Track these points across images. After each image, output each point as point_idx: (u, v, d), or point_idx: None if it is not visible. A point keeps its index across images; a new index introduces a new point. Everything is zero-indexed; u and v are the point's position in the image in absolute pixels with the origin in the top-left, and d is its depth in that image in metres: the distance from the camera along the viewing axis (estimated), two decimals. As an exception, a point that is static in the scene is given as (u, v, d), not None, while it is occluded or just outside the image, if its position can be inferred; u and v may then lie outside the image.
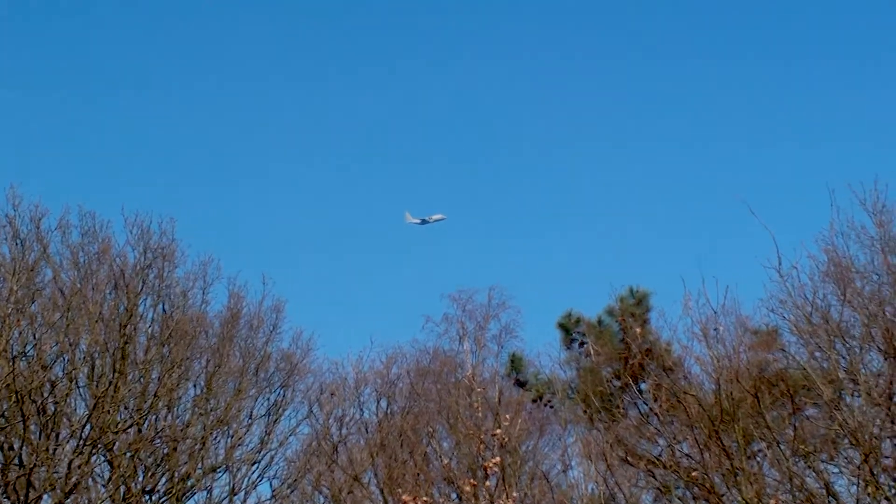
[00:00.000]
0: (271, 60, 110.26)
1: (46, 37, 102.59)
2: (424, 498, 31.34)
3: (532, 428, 42.75)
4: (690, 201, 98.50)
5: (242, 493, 41.36)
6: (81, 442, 36.27)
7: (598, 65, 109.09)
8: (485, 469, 29.82)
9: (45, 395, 36.19)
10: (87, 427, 36.45)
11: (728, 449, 27.04)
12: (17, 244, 38.06)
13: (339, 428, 44.80)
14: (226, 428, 40.75)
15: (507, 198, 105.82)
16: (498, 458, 29.77)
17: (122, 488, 37.35)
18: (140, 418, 37.98)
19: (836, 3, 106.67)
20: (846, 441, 27.72)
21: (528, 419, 41.68)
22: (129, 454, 37.63)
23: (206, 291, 41.60)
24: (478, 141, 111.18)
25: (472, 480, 30.62)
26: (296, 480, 42.46)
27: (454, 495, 34.97)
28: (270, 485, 42.35)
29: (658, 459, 29.23)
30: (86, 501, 37.38)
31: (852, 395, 28.22)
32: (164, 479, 38.67)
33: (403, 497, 31.03)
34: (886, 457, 27.38)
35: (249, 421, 41.91)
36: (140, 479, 38.18)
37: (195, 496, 40.20)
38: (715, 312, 28.08)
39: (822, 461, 28.56)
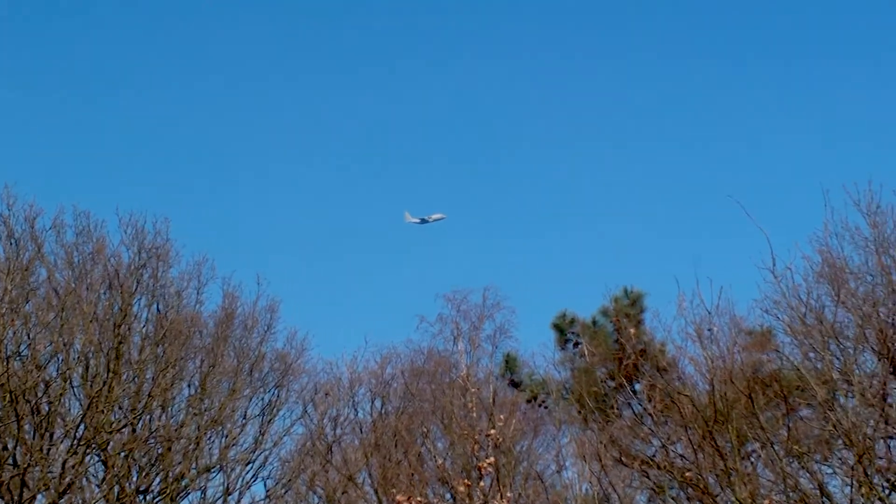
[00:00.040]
0: (271, 60, 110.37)
1: (42, 37, 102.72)
2: (419, 498, 31.36)
3: (526, 428, 42.75)
4: (685, 202, 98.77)
5: (237, 493, 41.37)
6: (76, 442, 36.26)
7: (597, 65, 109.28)
8: (479, 469, 29.85)
9: (40, 394, 36.18)
10: (82, 427, 36.43)
11: (722, 449, 27.07)
12: (11, 244, 38.03)
13: (334, 428, 44.82)
14: (220, 428, 40.74)
15: (503, 198, 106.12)
16: (492, 459, 29.81)
17: (117, 488, 37.33)
18: (134, 418, 37.96)
19: (832, 5, 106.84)
20: (840, 442, 27.75)
21: (522, 419, 41.68)
22: (123, 454, 37.62)
23: (201, 291, 41.65)
24: (476, 141, 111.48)
25: (466, 481, 30.66)
26: (290, 480, 42.47)
27: (448, 496, 34.97)
28: (265, 485, 42.40)
29: (652, 460, 29.25)
30: (80, 501, 37.38)
31: (846, 395, 28.26)
32: (158, 479, 38.65)
33: (398, 497, 31.06)
34: (880, 457, 27.41)
35: (244, 421, 41.91)
36: (134, 479, 38.16)
37: (189, 496, 40.23)
38: (709, 313, 28.10)
39: (816, 462, 28.61)
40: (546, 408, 46.63)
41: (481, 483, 29.96)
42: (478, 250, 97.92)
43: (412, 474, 36.39)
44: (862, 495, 26.51)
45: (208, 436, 40.28)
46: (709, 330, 28.20)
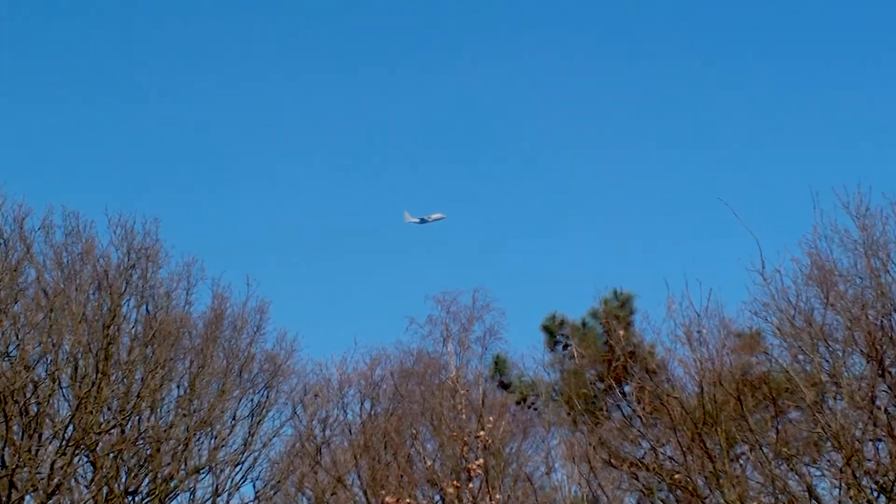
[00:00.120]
0: (271, 60, 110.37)
1: (32, 36, 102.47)
2: (408, 500, 31.36)
3: (516, 430, 42.79)
4: (675, 204, 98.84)
5: (226, 494, 41.31)
6: (64, 443, 36.19)
7: (598, 65, 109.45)
8: (468, 471, 29.84)
9: (28, 395, 36.11)
10: (70, 428, 36.36)
11: (711, 451, 27.08)
12: (0, 244, 37.96)
13: (323, 429, 44.78)
14: (209, 429, 40.67)
15: (501, 198, 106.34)
16: (481, 460, 29.80)
17: (105, 489, 37.27)
18: (123, 419, 37.89)
19: (823, 8, 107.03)
20: (829, 444, 27.79)
21: (511, 421, 41.74)
22: (112, 455, 37.55)
23: (190, 292, 41.60)
24: (476, 141, 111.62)
25: (455, 482, 30.65)
26: (279, 482, 42.42)
27: (437, 497, 34.98)
28: (254, 486, 42.34)
29: (641, 462, 29.26)
30: (68, 502, 37.31)
31: (835, 398, 28.28)
32: (147, 481, 38.59)
33: (387, 499, 31.05)
34: (869, 460, 27.43)
35: (233, 422, 41.85)
36: (123, 480, 38.09)
37: (178, 497, 40.17)
38: (698, 315, 28.12)
39: (805, 464, 28.64)
40: (535, 410, 46.68)
41: (470, 485, 29.95)
42: (473, 251, 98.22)
43: (401, 476, 36.38)
44: (850, 497, 26.54)
45: (197, 437, 40.22)
46: (698, 332, 28.22)
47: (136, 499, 38.44)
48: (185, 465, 39.54)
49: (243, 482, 41.97)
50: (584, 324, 49.93)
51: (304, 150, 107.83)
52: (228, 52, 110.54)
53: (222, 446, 41.10)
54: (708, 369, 27.69)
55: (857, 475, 26.57)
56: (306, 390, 45.01)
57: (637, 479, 30.16)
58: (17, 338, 36.45)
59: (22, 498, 35.36)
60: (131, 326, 39.40)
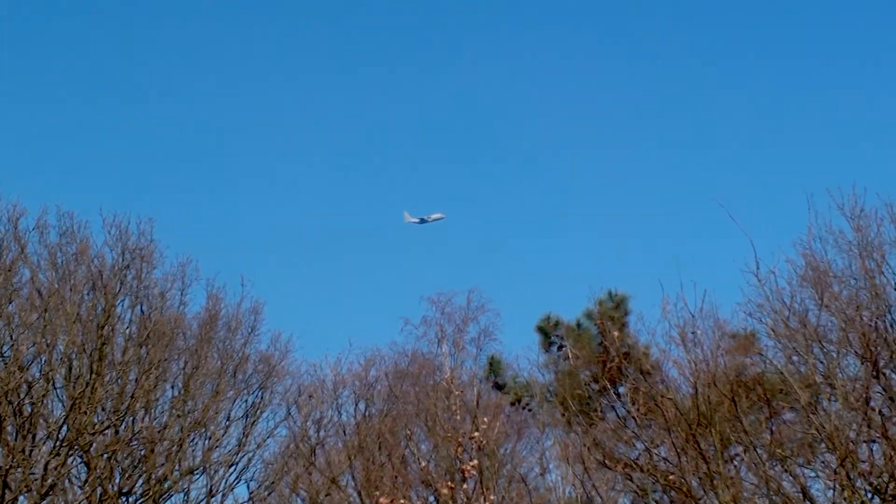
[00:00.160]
0: (271, 60, 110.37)
1: (26, 36, 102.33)
2: (402, 500, 31.34)
3: (510, 431, 42.79)
4: (669, 205, 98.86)
5: (220, 495, 41.24)
6: (58, 443, 36.15)
7: (598, 65, 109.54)
8: (462, 472, 29.79)
9: (22, 395, 36.07)
10: (64, 428, 36.32)
11: (705, 452, 27.09)
12: (-7, 244, 37.95)
13: (317, 430, 44.75)
14: (203, 430, 40.62)
15: (495, 200, 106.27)
16: (476, 461, 29.76)
17: (99, 490, 37.21)
18: (117, 420, 37.85)
19: (819, 9, 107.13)
20: (823, 445, 27.80)
21: (506, 422, 41.71)
22: (106, 456, 37.50)
23: (185, 293, 41.52)
24: (475, 141, 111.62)
25: (449, 483, 30.61)
26: (273, 483, 42.36)
27: (432, 498, 34.97)
28: (248, 487, 42.29)
29: (635, 463, 29.26)
30: (62, 503, 37.25)
31: (829, 399, 28.30)
32: (141, 481, 38.54)
33: (381, 500, 31.00)
34: (863, 461, 27.45)
35: (227, 423, 41.79)
36: (117, 480, 38.04)
37: (172, 498, 40.09)
38: (693, 316, 28.16)
39: (799, 465, 28.65)
40: (530, 410, 46.69)
41: (465, 485, 29.91)
42: (471, 251, 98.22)
43: (396, 477, 36.38)
44: (845, 499, 26.55)
45: (191, 437, 40.17)
46: (692, 333, 28.25)
47: (130, 499, 38.39)
48: (180, 465, 39.50)
49: (237, 483, 41.96)
50: (578, 325, 49.96)
51: (303, 149, 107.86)
52: (228, 51, 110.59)
53: (216, 447, 41.05)
54: (702, 370, 27.71)
55: (852, 476, 26.58)
56: (301, 391, 44.98)
57: (631, 480, 30.15)
58: (12, 338, 36.42)
59: (16, 498, 35.32)
60: (126, 327, 39.37)
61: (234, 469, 41.72)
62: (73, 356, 37.28)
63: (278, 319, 68.16)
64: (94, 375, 36.73)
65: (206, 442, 40.81)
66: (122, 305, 39.43)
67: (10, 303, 37.38)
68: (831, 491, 27.10)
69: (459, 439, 31.14)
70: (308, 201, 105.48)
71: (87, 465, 37.34)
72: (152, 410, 39.42)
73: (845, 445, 26.52)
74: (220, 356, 41.84)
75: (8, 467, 34.83)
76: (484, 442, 31.00)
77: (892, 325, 28.88)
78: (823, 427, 26.92)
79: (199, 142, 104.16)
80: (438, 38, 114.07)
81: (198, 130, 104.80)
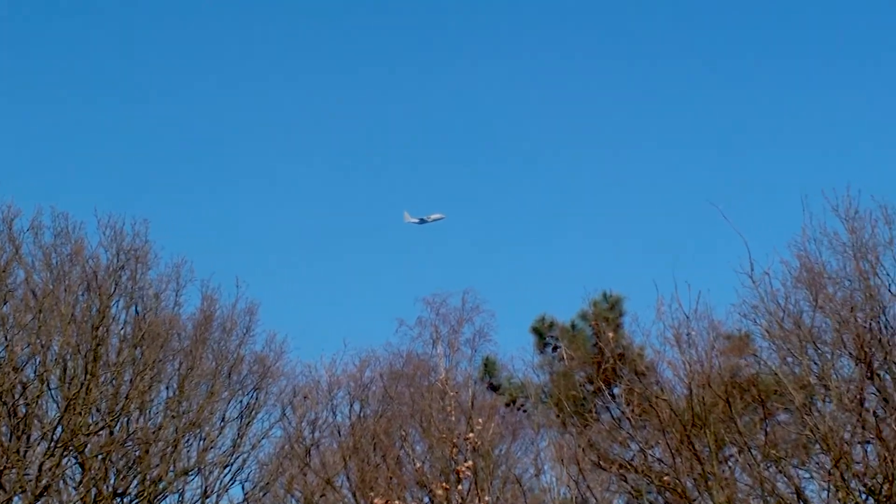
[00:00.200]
0: (271, 60, 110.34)
1: (20, 35, 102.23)
2: (397, 501, 31.36)
3: (505, 432, 42.82)
4: (664, 206, 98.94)
5: (214, 496, 41.26)
6: (53, 444, 36.13)
7: (598, 65, 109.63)
8: (457, 473, 29.82)
9: (17, 396, 36.05)
10: (59, 429, 36.31)
11: (699, 453, 27.10)
12: (-12, 245, 37.92)
13: (312, 431, 44.74)
14: (198, 430, 40.62)
15: (495, 200, 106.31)
16: (470, 462, 29.79)
17: (94, 491, 37.21)
18: (112, 420, 37.84)
19: (818, 11, 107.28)
20: (817, 446, 27.81)
21: (500, 423, 41.76)
22: (100, 456, 37.49)
23: (179, 293, 41.55)
24: (475, 141, 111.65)
25: (444, 484, 30.64)
26: (268, 483, 42.37)
27: (427, 499, 34.96)
28: (243, 488, 42.29)
29: (630, 464, 29.25)
30: (56, 504, 37.26)
31: (823, 400, 28.32)
32: (135, 482, 38.53)
33: (376, 500, 31.04)
34: (857, 462, 27.46)
35: (222, 424, 41.79)
36: (111, 481, 38.03)
37: (167, 499, 40.10)
38: (687, 317, 28.13)
39: (793, 466, 28.65)
40: (525, 411, 46.72)
41: (459, 486, 29.94)
42: (470, 251, 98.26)
43: (390, 478, 36.37)
44: (839, 500, 26.57)
45: (186, 438, 40.17)
46: (687, 334, 28.24)
47: (125, 500, 38.38)
48: (174, 466, 39.49)
49: (232, 484, 41.95)
50: (573, 326, 49.98)
51: (303, 149, 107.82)
52: (228, 51, 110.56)
53: (211, 448, 41.05)
54: (697, 371, 27.71)
55: (846, 477, 26.61)
56: (295, 392, 44.98)
57: (626, 481, 30.14)
58: (6, 339, 36.40)
59: (10, 499, 35.30)
60: (120, 328, 39.37)
61: (229, 470, 41.75)
62: (68, 357, 37.27)
63: (274, 320, 68.16)
64: (88, 376, 36.72)
65: (201, 443, 40.82)
66: (117, 306, 39.48)
67: (5, 304, 37.36)
68: (826, 492, 27.11)
69: (454, 440, 31.17)
70: (307, 201, 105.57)
71: (82, 465, 37.33)
72: (147, 411, 39.42)
73: (840, 446, 26.54)
74: (215, 357, 41.85)
75: (2, 468, 34.81)
76: (479, 443, 31.03)
77: (886, 327, 28.91)
78: (818, 428, 26.93)
79: (196, 141, 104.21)
80: (438, 39, 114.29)
81: (194, 130, 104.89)
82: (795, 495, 27.59)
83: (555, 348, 49.67)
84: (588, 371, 40.37)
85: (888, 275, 29.54)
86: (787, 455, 28.42)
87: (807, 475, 28.80)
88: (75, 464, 37.65)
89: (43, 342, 36.64)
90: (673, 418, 27.40)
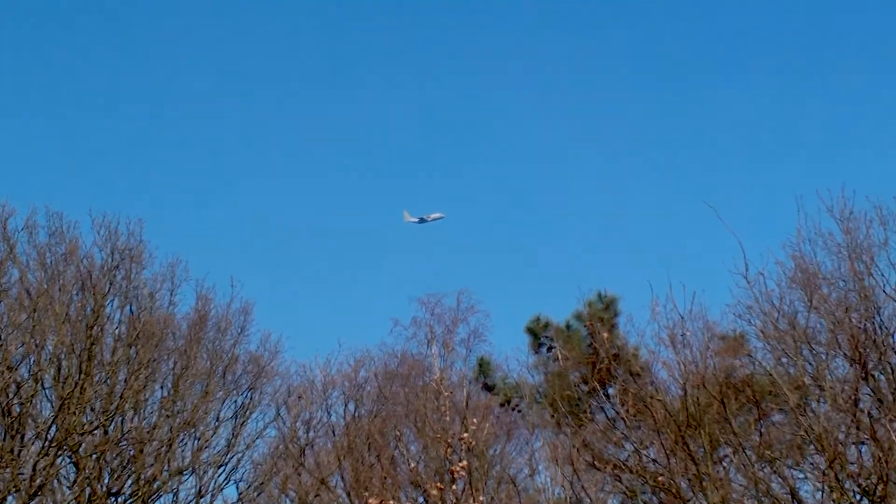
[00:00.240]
0: (271, 60, 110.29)
1: (14, 37, 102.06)
2: (391, 501, 31.33)
3: (499, 432, 42.81)
4: (659, 207, 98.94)
5: (209, 495, 41.22)
6: (47, 443, 36.10)
7: (597, 65, 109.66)
8: (452, 473, 29.80)
9: (11, 396, 36.02)
10: (53, 428, 36.29)
11: (694, 454, 27.11)
12: (-17, 245, 37.90)
13: (307, 431, 44.75)
14: (192, 430, 40.60)
15: (494, 200, 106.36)
16: (465, 462, 29.76)
17: (88, 490, 37.18)
18: (106, 420, 37.81)
19: (816, 12, 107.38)
20: (812, 447, 27.83)
21: (495, 423, 41.74)
22: (94, 456, 37.47)
23: (174, 293, 41.51)
24: (475, 142, 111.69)
25: (439, 484, 30.60)
26: (262, 483, 42.35)
27: (421, 499, 34.95)
28: (237, 487, 42.27)
29: (625, 464, 29.27)
30: (51, 503, 37.20)
31: (818, 400, 28.34)
32: (130, 482, 38.51)
33: (370, 500, 31.00)
34: (851, 462, 27.50)
35: (216, 423, 41.77)
36: (106, 481, 38.01)
37: (161, 499, 40.07)
38: (682, 318, 28.15)
39: (788, 466, 28.69)
40: (519, 412, 46.69)
41: (454, 486, 29.91)
42: (461, 252, 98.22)
43: (385, 477, 36.36)
44: (833, 500, 26.60)
45: (181, 438, 40.14)
46: (682, 335, 28.26)
47: (119, 500, 38.36)
48: (169, 466, 39.47)
49: (226, 484, 41.93)
50: (568, 326, 49.96)
51: (302, 149, 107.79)
52: (225, 51, 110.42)
53: (206, 447, 41.03)
54: (691, 372, 27.73)
55: (840, 478, 26.63)
56: (290, 392, 44.97)
57: (620, 481, 30.16)
58: (0, 338, 36.35)
59: (4, 499, 35.27)
60: (115, 327, 39.35)
61: (224, 470, 41.74)
62: (63, 356, 37.24)
63: (269, 320, 68.17)
64: (83, 376, 36.70)
65: (196, 442, 40.80)
66: (112, 306, 39.47)
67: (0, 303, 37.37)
68: (820, 492, 27.13)
69: (449, 440, 31.13)
70: (307, 201, 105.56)
71: (76, 465, 37.31)
72: (141, 411, 39.39)
73: (834, 447, 26.56)
74: (210, 357, 41.82)
75: (-4, 468, 34.80)
76: (473, 443, 30.99)
77: (880, 327, 28.94)
78: (812, 429, 26.96)
79: (191, 141, 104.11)
80: (438, 39, 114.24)
81: (190, 130, 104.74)
82: (790, 496, 27.61)
83: (549, 348, 49.63)
84: (583, 371, 40.41)
85: (883, 275, 29.60)
86: (782, 456, 28.45)
87: (801, 476, 28.84)
88: (70, 463, 37.63)
89: (37, 341, 36.62)
90: (668, 419, 27.41)
